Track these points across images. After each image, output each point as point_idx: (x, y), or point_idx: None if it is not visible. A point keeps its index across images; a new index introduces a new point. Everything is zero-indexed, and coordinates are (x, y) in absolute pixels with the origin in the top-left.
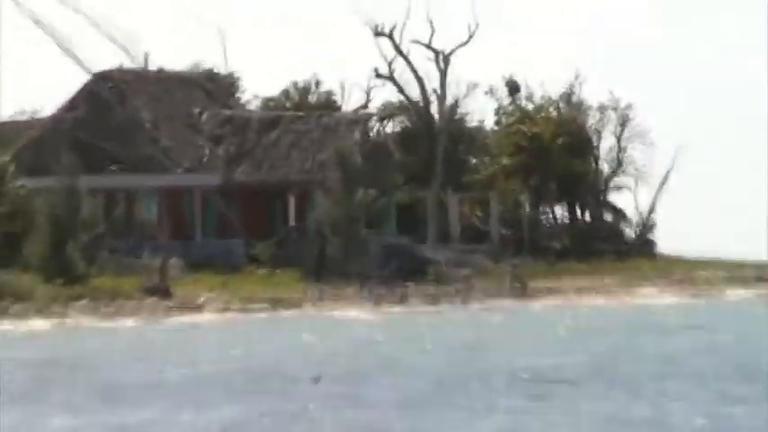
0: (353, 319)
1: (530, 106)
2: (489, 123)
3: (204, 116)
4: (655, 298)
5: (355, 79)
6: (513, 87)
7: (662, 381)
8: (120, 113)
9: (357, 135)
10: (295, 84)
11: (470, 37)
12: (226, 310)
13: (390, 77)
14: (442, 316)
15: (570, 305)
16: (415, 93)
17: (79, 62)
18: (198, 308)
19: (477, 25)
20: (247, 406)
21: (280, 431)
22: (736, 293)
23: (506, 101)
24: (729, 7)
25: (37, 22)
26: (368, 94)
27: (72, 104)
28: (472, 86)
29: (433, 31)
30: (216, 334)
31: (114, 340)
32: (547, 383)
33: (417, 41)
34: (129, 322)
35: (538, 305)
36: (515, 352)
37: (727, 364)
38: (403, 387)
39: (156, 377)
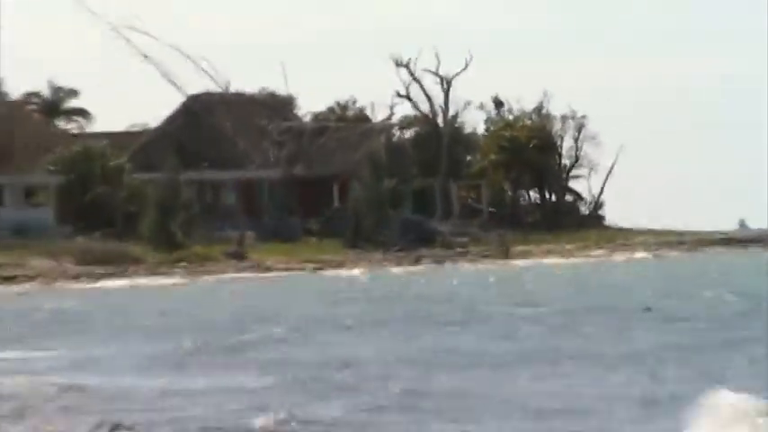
0: (396, 273)
1: (510, 117)
2: (480, 130)
3: (270, 126)
4: (602, 257)
5: (381, 98)
6: (498, 103)
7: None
8: (209, 125)
9: (383, 139)
10: (337, 102)
11: (466, 66)
12: (289, 269)
13: (407, 97)
14: (454, 270)
15: (539, 263)
16: (425, 108)
17: (177, 87)
18: (267, 268)
19: (472, 57)
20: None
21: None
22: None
23: (493, 113)
24: (664, 44)
25: (145, 57)
26: (391, 109)
27: (172, 118)
28: (467, 103)
29: (438, 63)
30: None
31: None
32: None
33: (427, 70)
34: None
35: (518, 263)
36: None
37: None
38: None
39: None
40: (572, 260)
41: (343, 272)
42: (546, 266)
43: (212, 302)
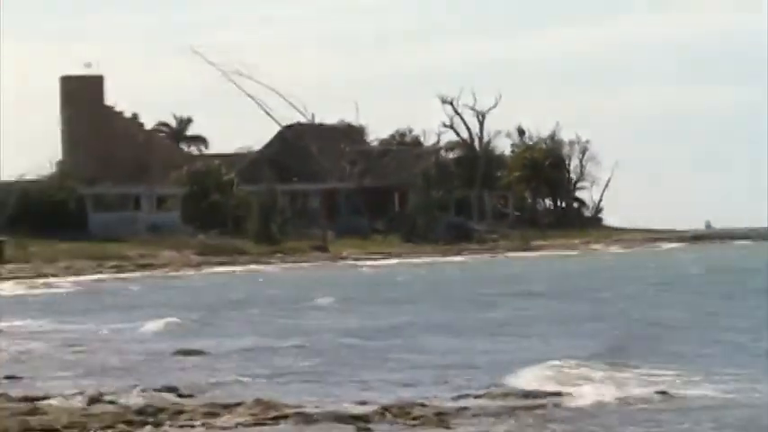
0: (449, 261)
1: (530, 142)
2: (507, 152)
3: (347, 149)
4: (602, 249)
5: (431, 127)
6: (521, 132)
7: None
8: (298, 148)
9: (432, 159)
10: (397, 130)
11: (496, 103)
12: (358, 258)
13: (451, 126)
14: (492, 260)
15: (552, 254)
16: (465, 135)
17: (274, 119)
18: (344, 257)
19: (501, 96)
20: None
21: None
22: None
23: (517, 139)
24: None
25: (249, 96)
26: (438, 136)
27: (271, 143)
28: (498, 132)
29: (475, 100)
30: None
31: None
32: None
33: (467, 105)
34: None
35: (535, 254)
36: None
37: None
38: None
39: None
40: (576, 252)
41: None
42: (556, 256)
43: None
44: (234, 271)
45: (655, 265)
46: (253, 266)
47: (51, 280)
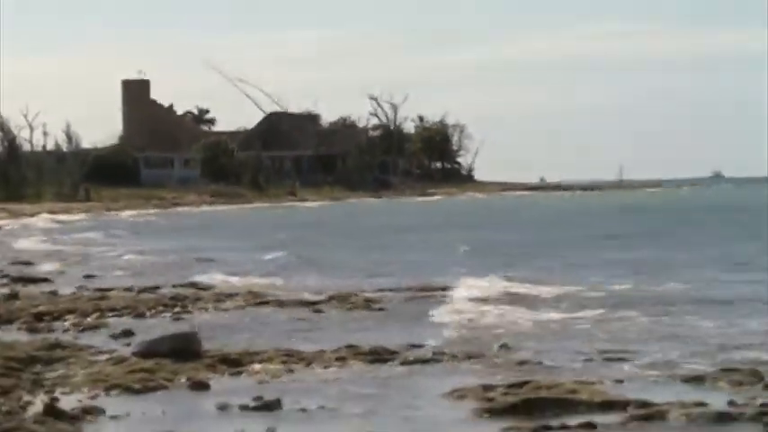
0: (372, 201)
1: (427, 125)
2: (412, 131)
3: (308, 129)
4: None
5: (363, 114)
6: (421, 118)
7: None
8: (277, 128)
9: (364, 135)
10: (341, 117)
11: (405, 99)
12: (314, 200)
13: (375, 114)
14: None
15: (440, 198)
16: (384, 120)
17: (261, 108)
18: (305, 199)
19: (408, 95)
20: None
21: None
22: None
23: (418, 122)
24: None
25: (245, 93)
26: (367, 120)
27: (259, 124)
28: (405, 117)
29: (391, 97)
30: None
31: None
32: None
33: (386, 101)
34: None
35: (429, 198)
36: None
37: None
38: None
39: None
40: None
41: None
42: (442, 200)
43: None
44: (237, 207)
45: (499, 206)
46: (246, 205)
47: (119, 212)
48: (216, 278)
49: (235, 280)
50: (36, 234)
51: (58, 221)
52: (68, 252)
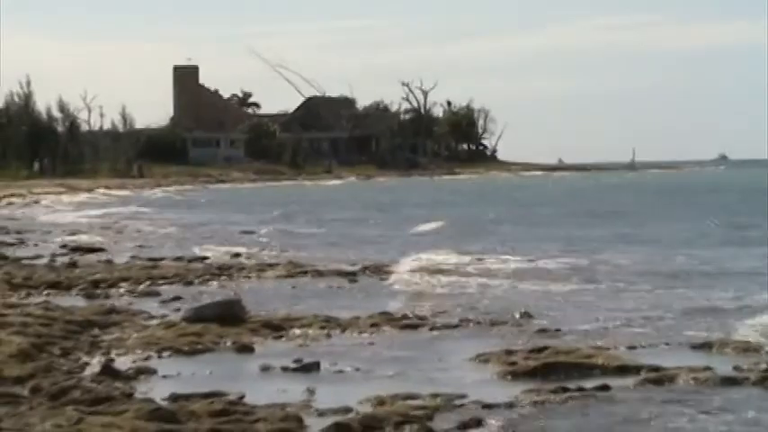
0: (404, 180)
1: (454, 109)
2: (440, 115)
3: (344, 113)
4: (494, 175)
5: (396, 99)
6: (449, 103)
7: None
8: (315, 111)
9: (396, 119)
10: (375, 101)
11: (434, 86)
12: (348, 177)
13: (407, 99)
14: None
15: (466, 177)
16: (415, 104)
17: (300, 93)
18: (342, 177)
19: (438, 82)
20: None
21: None
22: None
23: (446, 107)
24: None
25: (286, 79)
26: (399, 105)
27: (299, 108)
28: (434, 103)
29: (422, 83)
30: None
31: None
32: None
33: (417, 86)
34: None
35: (457, 177)
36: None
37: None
38: None
39: None
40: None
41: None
42: (469, 179)
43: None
44: (277, 185)
45: (518, 184)
46: (287, 182)
47: (168, 188)
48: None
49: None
50: (93, 207)
51: (113, 195)
52: (123, 224)
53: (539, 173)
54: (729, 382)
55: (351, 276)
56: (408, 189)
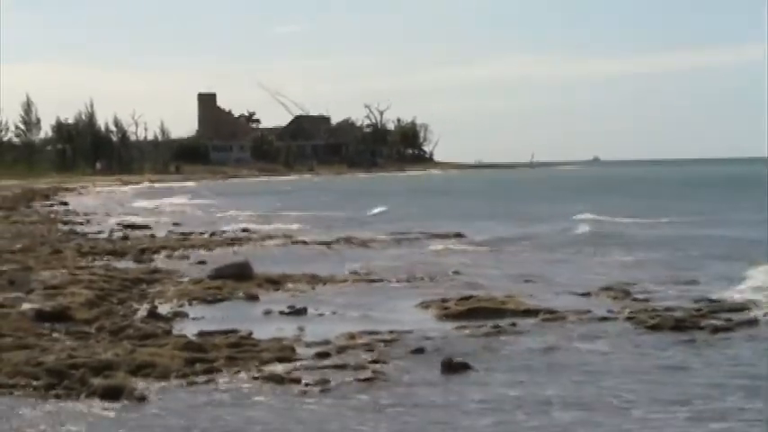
0: (366, 176)
1: (402, 124)
2: (392, 128)
3: (323, 126)
4: (429, 173)
5: (360, 117)
6: (399, 120)
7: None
8: (301, 126)
9: (360, 131)
10: (345, 118)
11: (387, 108)
12: (326, 175)
13: (368, 117)
14: (385, 174)
15: (411, 174)
16: (374, 120)
17: (290, 112)
18: (320, 174)
19: (389, 105)
20: None
21: None
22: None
23: (397, 123)
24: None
25: (280, 102)
26: (362, 120)
27: (290, 124)
28: (388, 119)
29: (378, 105)
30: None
31: None
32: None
33: (375, 108)
34: None
35: (404, 173)
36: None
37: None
38: None
39: None
40: (421, 172)
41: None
42: (411, 175)
43: (315, 183)
44: (274, 179)
45: (447, 178)
46: (281, 177)
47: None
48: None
49: (272, 227)
50: (141, 196)
51: (153, 187)
52: (162, 208)
53: (463, 170)
54: (604, 320)
55: (329, 245)
56: (368, 182)
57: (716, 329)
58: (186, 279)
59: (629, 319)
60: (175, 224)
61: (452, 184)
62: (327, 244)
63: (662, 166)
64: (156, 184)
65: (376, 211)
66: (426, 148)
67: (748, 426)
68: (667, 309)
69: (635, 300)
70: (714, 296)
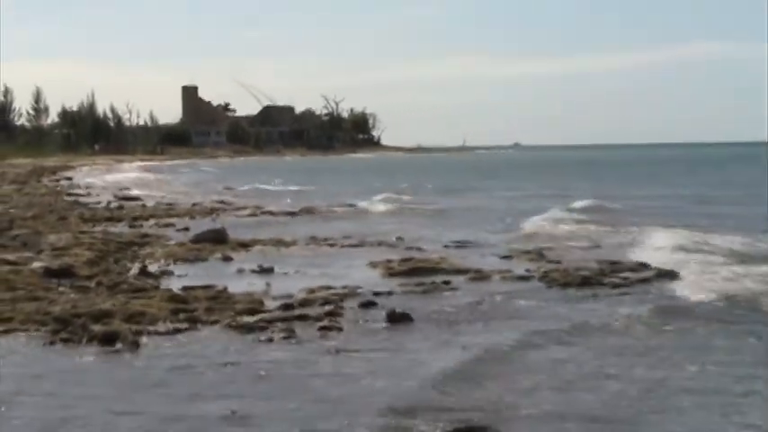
0: (325, 157)
1: (354, 113)
2: (346, 116)
3: (288, 115)
4: (377, 155)
5: (318, 107)
6: (352, 110)
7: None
8: (270, 114)
9: (319, 119)
10: (306, 108)
11: (342, 100)
12: (293, 156)
13: (325, 107)
14: (339, 156)
15: (362, 155)
16: (331, 110)
17: (260, 103)
18: (286, 155)
19: (343, 98)
20: None
21: None
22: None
23: (350, 111)
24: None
25: (252, 94)
26: (321, 110)
27: (260, 113)
28: (343, 108)
29: (335, 97)
30: None
31: None
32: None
33: (332, 99)
34: None
35: (356, 155)
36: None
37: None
38: None
39: None
40: (370, 155)
41: (309, 156)
42: (360, 157)
43: (282, 163)
44: (247, 159)
45: (390, 161)
46: (252, 158)
47: (180, 161)
48: (236, 198)
49: (245, 200)
50: (133, 171)
51: (144, 167)
52: (151, 181)
53: (405, 153)
54: (522, 278)
55: (293, 215)
56: (325, 162)
57: (615, 286)
58: (172, 242)
59: (543, 277)
60: (162, 196)
61: (396, 164)
62: (292, 214)
63: (571, 151)
64: (146, 163)
65: (331, 187)
66: (375, 134)
67: (585, 350)
68: (576, 269)
69: (549, 261)
70: (616, 258)
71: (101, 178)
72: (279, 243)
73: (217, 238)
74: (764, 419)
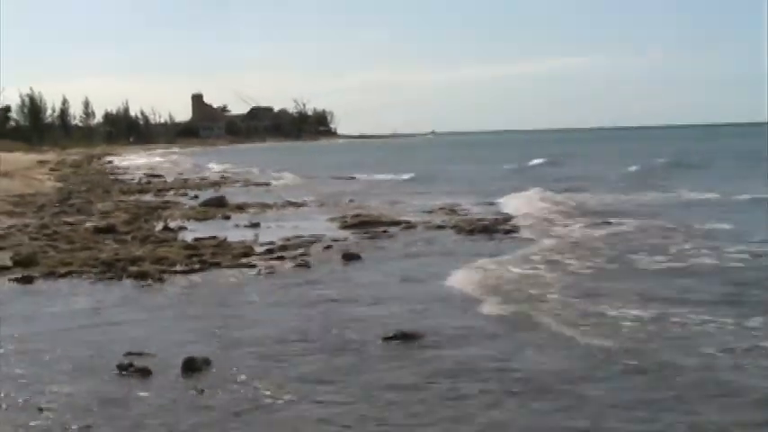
0: (296, 144)
1: (310, 109)
2: (311, 113)
3: (269, 113)
4: (333, 142)
5: (290, 107)
6: (317, 110)
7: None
8: (256, 113)
9: (291, 116)
10: (281, 108)
11: (307, 101)
12: (272, 143)
13: (295, 107)
14: (307, 142)
15: (319, 143)
16: (299, 109)
17: (250, 105)
18: (268, 143)
19: (309, 100)
20: None
21: None
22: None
23: (313, 110)
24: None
25: (242, 99)
26: (293, 109)
27: (249, 113)
28: (309, 105)
29: (303, 98)
30: None
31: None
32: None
33: (301, 101)
34: None
35: (317, 142)
36: None
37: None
38: None
39: None
40: (327, 142)
41: (284, 143)
42: (324, 144)
43: (268, 148)
44: (239, 146)
45: (341, 148)
46: (243, 145)
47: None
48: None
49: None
50: (157, 157)
51: (164, 153)
52: (171, 164)
53: (351, 140)
54: (440, 227)
55: (268, 186)
56: (297, 147)
57: (507, 231)
58: (186, 206)
59: (455, 226)
60: (180, 173)
61: (346, 148)
62: (267, 185)
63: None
64: (166, 151)
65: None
66: (332, 126)
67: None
68: (478, 219)
69: (458, 215)
70: (505, 211)
71: (134, 162)
72: (264, 206)
73: (219, 203)
74: None
